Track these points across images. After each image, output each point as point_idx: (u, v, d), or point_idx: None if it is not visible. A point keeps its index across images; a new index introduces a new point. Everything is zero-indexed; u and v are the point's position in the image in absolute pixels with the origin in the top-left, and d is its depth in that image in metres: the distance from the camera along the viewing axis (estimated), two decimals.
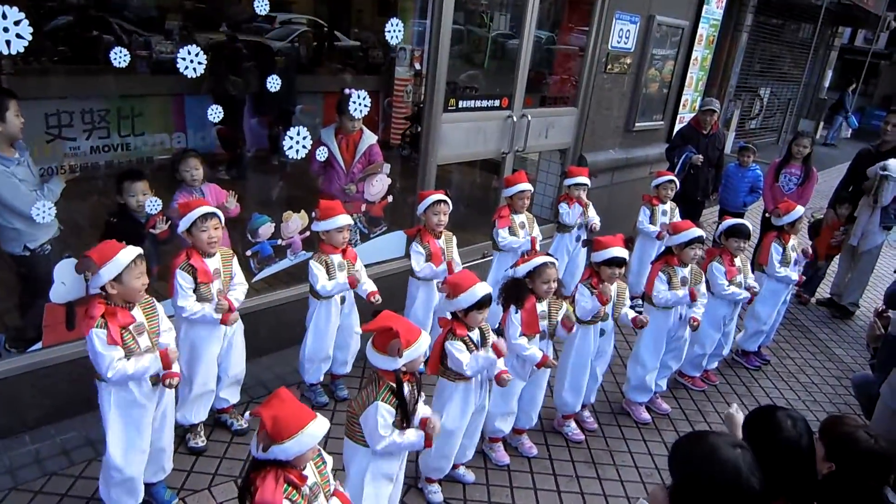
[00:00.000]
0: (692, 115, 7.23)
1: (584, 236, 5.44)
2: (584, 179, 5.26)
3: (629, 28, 6.38)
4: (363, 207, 4.89)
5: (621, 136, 7.03)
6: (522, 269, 3.48)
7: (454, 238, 4.39)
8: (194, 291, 3.27)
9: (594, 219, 5.37)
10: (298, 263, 4.53)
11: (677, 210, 5.81)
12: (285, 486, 2.08)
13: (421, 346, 2.64)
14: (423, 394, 2.86)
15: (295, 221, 4.48)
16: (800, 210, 4.92)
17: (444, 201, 4.17)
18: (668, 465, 1.99)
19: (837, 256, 6.78)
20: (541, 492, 3.64)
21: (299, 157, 4.08)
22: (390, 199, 5.01)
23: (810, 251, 5.00)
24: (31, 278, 3.48)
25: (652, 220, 5.72)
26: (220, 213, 3.33)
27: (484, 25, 6.88)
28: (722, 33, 8.34)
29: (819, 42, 13.92)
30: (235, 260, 3.51)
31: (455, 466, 3.50)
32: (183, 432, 3.53)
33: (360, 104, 4.31)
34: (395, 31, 4.23)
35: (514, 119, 5.57)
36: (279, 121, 5.13)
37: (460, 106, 5.14)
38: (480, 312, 3.11)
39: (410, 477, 3.49)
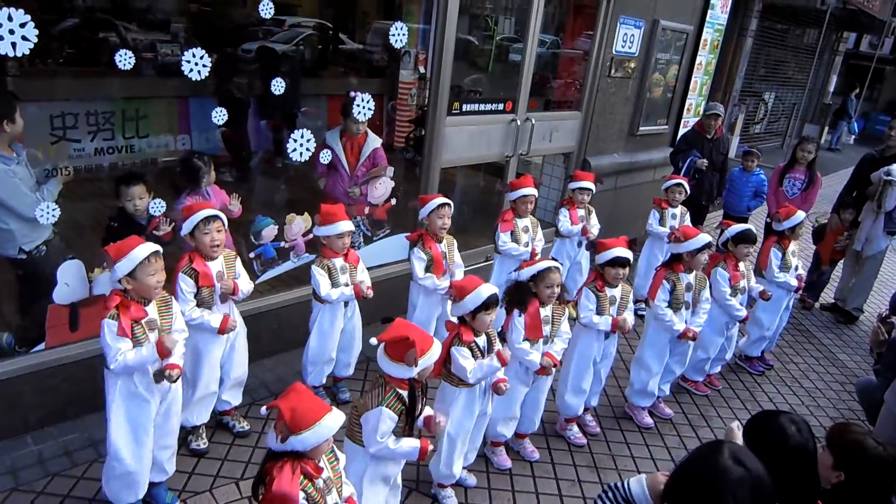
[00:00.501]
0: (696, 119, 7.23)
1: (585, 241, 5.43)
2: (589, 184, 5.24)
3: (633, 32, 6.38)
4: (366, 210, 4.89)
5: (625, 141, 7.03)
6: (526, 273, 3.48)
7: (454, 242, 4.40)
8: (196, 296, 3.28)
9: (594, 227, 5.35)
10: (301, 266, 4.53)
11: (688, 214, 5.80)
12: (302, 477, 2.12)
13: (434, 354, 2.65)
14: (426, 396, 2.86)
15: (298, 224, 4.49)
16: (801, 215, 4.89)
17: (448, 204, 4.17)
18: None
19: (841, 261, 6.76)
20: (543, 496, 3.63)
21: (303, 160, 4.09)
22: (394, 201, 5.01)
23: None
24: (28, 281, 3.48)
25: (661, 224, 5.71)
26: (223, 215, 3.34)
27: (489, 30, 6.89)
28: (726, 38, 8.34)
29: (824, 47, 13.91)
30: (239, 261, 3.52)
31: None
32: (185, 434, 3.53)
33: (364, 107, 4.32)
34: (399, 34, 4.24)
35: (518, 123, 5.57)
36: (284, 123, 5.14)
37: (464, 109, 5.14)
38: (488, 314, 3.11)
39: (411, 480, 3.50)
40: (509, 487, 3.66)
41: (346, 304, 3.89)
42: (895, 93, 22.87)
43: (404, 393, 2.65)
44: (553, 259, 3.64)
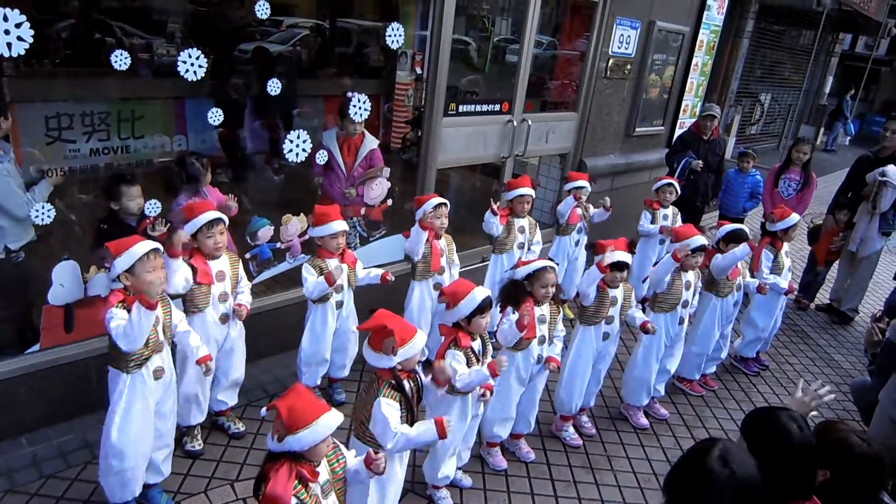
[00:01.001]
0: (692, 120, 7.24)
1: (584, 241, 5.43)
2: (584, 183, 5.25)
3: (630, 34, 6.39)
4: (363, 211, 4.89)
5: (621, 142, 7.04)
6: (522, 272, 3.48)
7: (453, 241, 4.45)
8: (191, 293, 3.30)
9: (596, 213, 5.36)
10: (297, 267, 4.52)
11: (679, 215, 5.81)
12: (297, 481, 2.12)
13: (416, 345, 2.66)
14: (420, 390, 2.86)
15: (294, 224, 4.48)
16: (795, 217, 4.90)
17: (444, 204, 4.18)
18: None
19: (837, 262, 6.78)
20: (538, 497, 3.64)
21: (299, 161, 4.09)
22: (390, 202, 5.01)
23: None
24: (14, 279, 3.48)
25: (653, 225, 5.72)
26: (225, 217, 3.35)
27: (485, 30, 6.89)
28: (723, 39, 8.35)
29: (820, 48, 13.94)
30: (241, 264, 3.53)
31: None
32: (180, 436, 3.53)
33: (360, 108, 4.32)
34: (395, 35, 4.24)
35: (515, 123, 5.57)
36: (280, 124, 5.14)
37: (460, 110, 5.15)
38: (483, 317, 3.11)
39: (407, 481, 3.49)
40: (504, 488, 3.66)
41: (339, 304, 3.89)
42: (891, 94, 22.91)
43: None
44: (549, 259, 3.64)
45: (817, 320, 6.70)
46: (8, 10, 2.75)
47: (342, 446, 2.40)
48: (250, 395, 4.07)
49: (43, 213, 3.21)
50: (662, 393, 4.54)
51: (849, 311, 6.66)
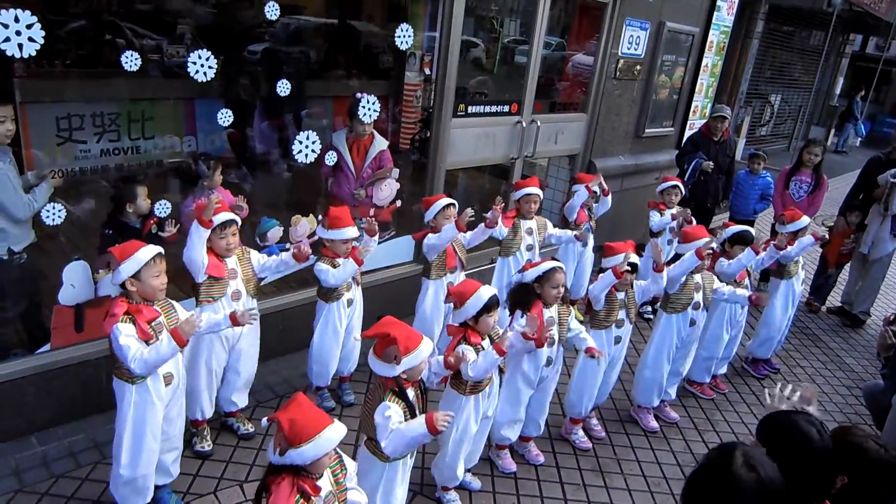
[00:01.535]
0: (703, 121, 7.20)
1: (591, 242, 5.40)
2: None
3: (639, 34, 6.37)
4: (371, 212, 4.88)
5: (631, 143, 7.01)
6: (531, 274, 3.46)
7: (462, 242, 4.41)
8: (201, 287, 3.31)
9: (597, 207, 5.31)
10: (306, 268, 4.52)
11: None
12: (298, 496, 2.07)
13: (421, 354, 2.61)
14: (425, 398, 2.84)
15: (303, 225, 4.48)
16: (805, 220, 4.88)
17: (452, 204, 4.17)
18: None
19: (848, 265, 6.73)
20: (547, 500, 3.62)
21: (308, 162, 4.09)
22: (399, 203, 5.00)
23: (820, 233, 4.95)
24: (16, 281, 3.47)
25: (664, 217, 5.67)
26: (237, 218, 3.35)
27: (494, 31, 6.88)
28: (732, 40, 8.31)
29: (830, 49, 13.86)
30: (252, 254, 3.51)
31: None
32: (189, 436, 3.53)
33: (369, 108, 4.32)
34: (405, 36, 4.24)
35: (524, 124, 5.56)
36: (289, 125, 5.14)
37: (469, 111, 5.14)
38: (490, 316, 3.10)
39: (416, 484, 3.48)
40: (514, 491, 3.64)
41: (349, 303, 3.89)
42: None
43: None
44: (554, 258, 3.62)
45: (829, 323, 6.65)
46: (19, 11, 2.76)
47: (345, 457, 2.35)
48: (259, 397, 4.07)
49: (54, 214, 3.22)
50: (673, 396, 4.51)
51: (860, 313, 6.61)
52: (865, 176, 6.39)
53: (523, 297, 3.45)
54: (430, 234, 4.11)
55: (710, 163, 6.26)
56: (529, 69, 5.52)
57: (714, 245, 4.16)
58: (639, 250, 3.80)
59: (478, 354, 3.06)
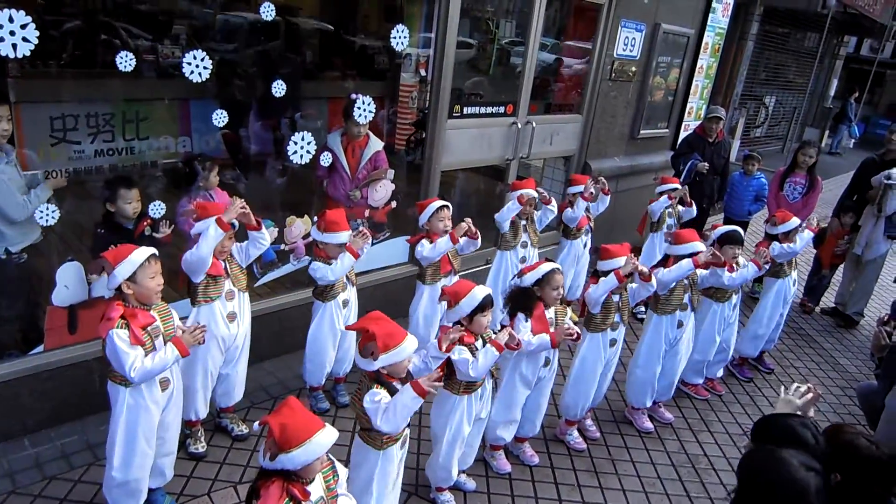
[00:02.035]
0: (697, 122, 7.21)
1: (589, 243, 5.41)
2: (581, 187, 5.20)
3: (635, 36, 6.38)
4: (367, 213, 4.89)
5: (626, 144, 7.02)
6: (530, 278, 3.45)
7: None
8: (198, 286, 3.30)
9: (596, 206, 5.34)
10: (301, 269, 4.52)
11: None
12: (287, 499, 2.06)
13: (402, 352, 2.60)
14: None
15: (298, 226, 4.48)
16: (795, 221, 4.89)
17: (446, 206, 4.16)
18: (736, 472, 2.02)
19: (842, 265, 6.75)
20: (542, 500, 3.62)
21: (303, 162, 4.09)
22: (394, 204, 5.00)
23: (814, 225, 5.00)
24: (12, 282, 3.46)
25: (658, 224, 5.70)
26: (235, 222, 3.34)
27: (490, 33, 6.88)
28: (727, 42, 8.34)
29: (824, 51, 13.91)
30: (235, 247, 3.47)
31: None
32: (183, 438, 3.52)
33: (364, 110, 4.32)
34: (400, 37, 4.24)
35: (519, 126, 5.57)
36: (284, 125, 5.14)
37: (465, 112, 5.14)
38: (484, 315, 3.11)
39: (410, 485, 3.49)
40: (508, 492, 3.64)
41: (345, 303, 3.88)
42: None
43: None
44: (549, 260, 3.62)
45: (822, 324, 6.67)
46: (13, 11, 2.75)
47: (338, 463, 2.34)
48: (253, 398, 4.07)
49: (47, 214, 3.21)
50: (669, 397, 4.52)
51: (854, 314, 6.63)
52: (859, 177, 6.41)
53: (525, 300, 3.43)
54: (423, 241, 4.10)
55: (706, 164, 6.28)
56: (525, 70, 5.53)
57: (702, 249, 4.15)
58: (634, 252, 3.79)
59: (473, 354, 3.06)
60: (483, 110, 5.34)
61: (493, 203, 6.28)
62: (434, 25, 4.73)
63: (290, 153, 4.03)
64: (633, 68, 6.59)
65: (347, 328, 2.67)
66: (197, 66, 3.41)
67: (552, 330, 3.43)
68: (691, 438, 4.40)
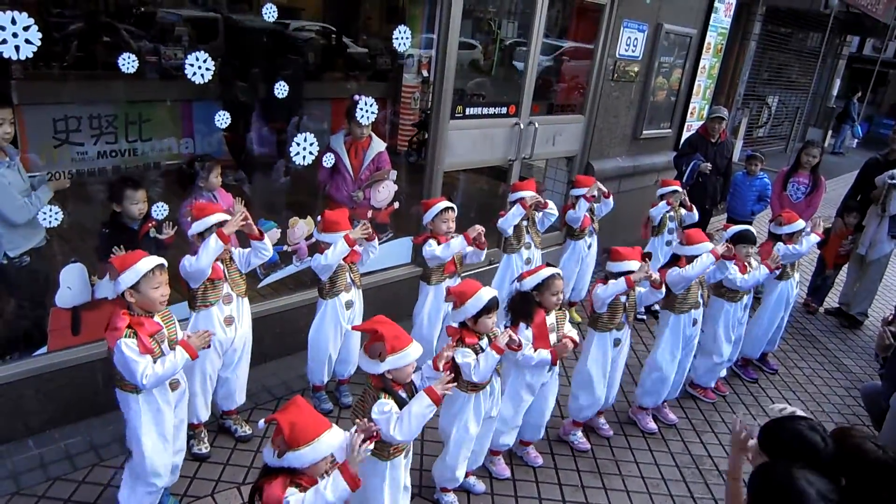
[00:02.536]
0: (700, 123, 7.20)
1: (594, 243, 5.40)
2: (585, 189, 5.18)
3: (637, 36, 6.38)
4: (369, 214, 4.88)
5: (628, 144, 7.01)
6: (530, 283, 3.41)
7: None
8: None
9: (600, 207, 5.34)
10: (304, 270, 4.52)
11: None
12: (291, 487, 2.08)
13: (408, 356, 2.60)
14: None
15: (301, 227, 4.47)
16: (800, 223, 4.88)
17: (451, 208, 4.15)
18: (748, 485, 2.03)
19: (846, 266, 6.73)
20: (546, 501, 3.61)
21: (306, 164, 4.09)
22: (397, 205, 5.00)
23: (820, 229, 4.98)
24: (11, 287, 3.47)
25: (658, 230, 5.69)
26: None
27: (492, 33, 6.89)
28: (730, 42, 8.32)
29: (827, 51, 13.88)
30: (233, 252, 3.46)
31: (466, 475, 3.47)
32: (186, 439, 3.52)
33: (367, 111, 4.32)
34: (402, 38, 4.24)
35: (521, 126, 5.56)
36: (287, 127, 5.14)
37: (467, 113, 5.13)
38: (489, 317, 3.09)
39: (415, 486, 3.47)
40: (512, 493, 3.64)
41: (349, 305, 3.88)
42: None
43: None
44: (549, 265, 3.60)
45: (826, 324, 6.65)
46: (16, 13, 2.75)
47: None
48: (256, 399, 4.07)
49: (50, 216, 3.21)
50: (675, 395, 4.52)
51: (858, 314, 6.61)
52: (863, 177, 6.40)
53: (525, 306, 3.38)
54: (430, 241, 4.09)
55: (708, 164, 6.28)
56: (527, 71, 5.52)
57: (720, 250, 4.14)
58: (645, 259, 3.76)
59: (476, 355, 3.06)
60: (485, 111, 5.34)
61: (496, 204, 6.28)
62: (436, 26, 4.73)
63: (292, 154, 4.03)
64: (636, 68, 6.58)
65: (354, 328, 2.67)
66: (199, 67, 3.41)
67: (553, 339, 3.42)
68: (695, 439, 4.39)
